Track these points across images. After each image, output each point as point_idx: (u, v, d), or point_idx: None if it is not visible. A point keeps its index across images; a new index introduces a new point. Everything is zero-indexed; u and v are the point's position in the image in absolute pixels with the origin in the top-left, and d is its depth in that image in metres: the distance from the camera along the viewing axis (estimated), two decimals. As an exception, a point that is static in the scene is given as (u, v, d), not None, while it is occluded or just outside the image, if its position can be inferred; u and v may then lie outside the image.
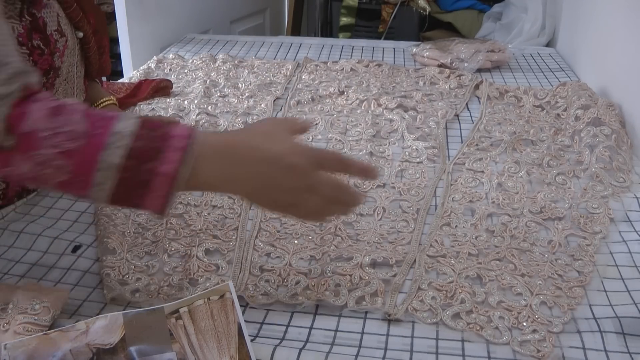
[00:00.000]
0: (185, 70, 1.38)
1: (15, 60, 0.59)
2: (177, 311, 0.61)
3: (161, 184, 0.58)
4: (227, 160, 0.61)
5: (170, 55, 1.48)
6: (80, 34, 0.83)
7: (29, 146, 0.57)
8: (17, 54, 0.61)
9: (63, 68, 0.79)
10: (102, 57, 0.93)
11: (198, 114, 1.11)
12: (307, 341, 0.62)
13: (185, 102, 1.17)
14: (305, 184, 0.61)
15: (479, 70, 1.37)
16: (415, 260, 0.73)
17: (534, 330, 0.62)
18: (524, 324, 0.63)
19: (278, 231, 0.80)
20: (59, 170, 0.57)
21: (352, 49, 1.56)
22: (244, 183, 0.61)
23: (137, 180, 0.57)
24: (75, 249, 0.76)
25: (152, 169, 0.57)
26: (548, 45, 1.66)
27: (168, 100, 1.20)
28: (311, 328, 0.64)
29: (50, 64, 0.73)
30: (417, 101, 1.18)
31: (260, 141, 0.62)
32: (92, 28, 0.86)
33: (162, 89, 1.23)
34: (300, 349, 0.59)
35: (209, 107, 1.15)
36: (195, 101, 1.17)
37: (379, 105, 1.15)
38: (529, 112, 1.13)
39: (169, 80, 1.26)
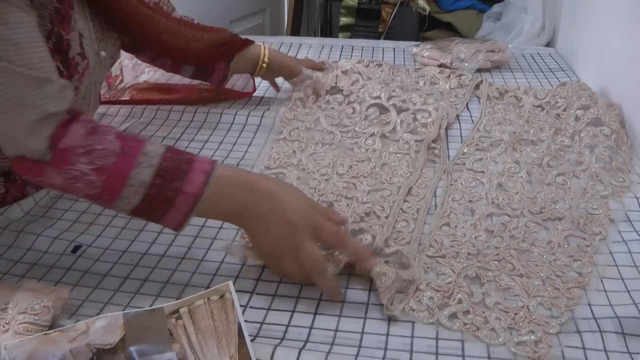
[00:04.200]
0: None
1: (56, 77, 0.65)
2: (177, 311, 0.61)
3: (185, 202, 0.64)
4: (241, 192, 0.67)
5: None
6: (103, 54, 0.85)
7: (64, 161, 0.63)
8: (55, 70, 0.66)
9: (82, 87, 0.81)
10: None
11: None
12: (307, 341, 0.62)
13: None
14: (293, 244, 0.66)
15: (479, 70, 1.37)
16: (415, 260, 0.73)
17: (531, 331, 0.62)
18: (521, 324, 0.63)
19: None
20: (88, 185, 0.63)
21: (352, 49, 1.56)
22: (247, 220, 0.68)
23: (163, 197, 0.64)
24: (75, 249, 0.76)
25: (178, 187, 0.64)
26: (548, 45, 1.66)
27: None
28: (311, 328, 0.64)
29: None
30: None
31: (276, 188, 0.68)
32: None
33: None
34: (300, 349, 0.59)
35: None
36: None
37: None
38: (529, 112, 1.13)
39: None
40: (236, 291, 0.64)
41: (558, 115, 1.10)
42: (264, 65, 1.12)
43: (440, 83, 1.28)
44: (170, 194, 0.64)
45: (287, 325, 0.65)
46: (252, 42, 1.11)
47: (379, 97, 1.09)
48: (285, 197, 0.67)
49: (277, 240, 0.66)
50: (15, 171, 0.65)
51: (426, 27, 2.13)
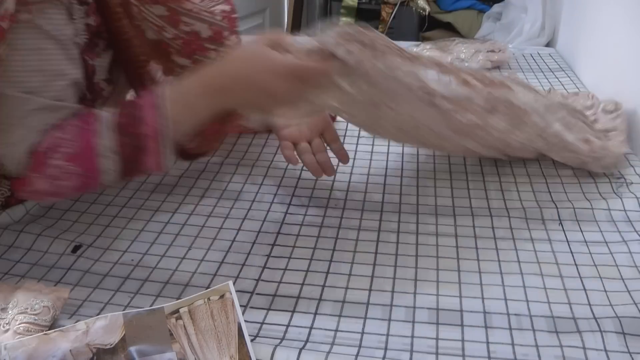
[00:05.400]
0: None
1: (72, 106, 0.68)
2: (177, 311, 0.61)
3: (153, 143, 0.65)
4: (202, 98, 0.67)
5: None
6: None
7: (41, 163, 0.65)
8: (74, 99, 0.69)
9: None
10: None
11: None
12: (307, 341, 0.62)
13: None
14: (288, 102, 0.69)
15: (479, 70, 1.37)
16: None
17: None
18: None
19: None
20: (70, 176, 0.65)
21: (352, 49, 1.56)
22: (225, 107, 0.70)
23: (135, 149, 0.66)
24: (76, 249, 0.76)
25: (140, 134, 0.65)
26: (548, 45, 1.66)
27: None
28: (311, 328, 0.64)
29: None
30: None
31: (237, 71, 0.68)
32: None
33: None
34: (300, 349, 0.59)
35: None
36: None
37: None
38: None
39: None
40: (236, 291, 0.64)
41: None
42: None
43: None
44: (139, 143, 0.65)
45: (287, 325, 0.64)
46: None
47: None
48: (241, 67, 0.67)
49: (258, 89, 0.66)
50: (16, 193, 0.68)
51: (426, 27, 2.13)
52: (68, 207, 0.86)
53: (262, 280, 0.72)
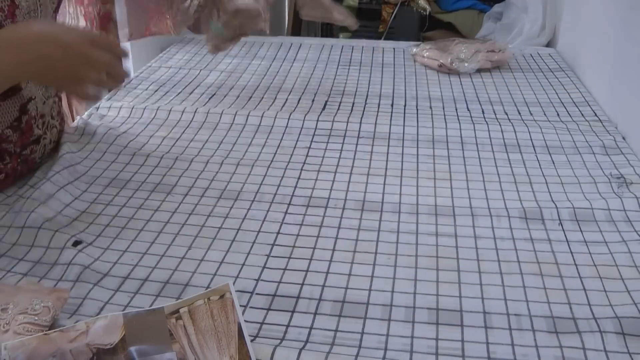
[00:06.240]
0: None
1: None
2: (177, 311, 0.61)
3: None
4: (5, 50, 0.67)
5: (171, 56, 1.48)
6: None
7: None
8: None
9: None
10: None
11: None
12: (307, 341, 0.62)
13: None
14: (83, 58, 0.70)
15: (479, 71, 1.37)
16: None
17: None
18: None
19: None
20: None
21: (352, 49, 1.56)
22: (26, 67, 0.69)
23: None
24: (76, 244, 0.76)
25: None
26: (548, 45, 1.66)
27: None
28: (311, 328, 0.64)
29: None
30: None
31: (37, 27, 0.70)
32: None
33: None
34: (300, 349, 0.59)
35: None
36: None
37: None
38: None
39: None
40: (236, 291, 0.64)
41: None
42: None
43: None
44: None
45: (287, 326, 0.64)
46: None
47: None
48: (46, 27, 0.70)
49: (68, 65, 0.69)
50: None
51: (427, 27, 2.13)
52: (69, 201, 0.85)
53: (262, 280, 0.72)
